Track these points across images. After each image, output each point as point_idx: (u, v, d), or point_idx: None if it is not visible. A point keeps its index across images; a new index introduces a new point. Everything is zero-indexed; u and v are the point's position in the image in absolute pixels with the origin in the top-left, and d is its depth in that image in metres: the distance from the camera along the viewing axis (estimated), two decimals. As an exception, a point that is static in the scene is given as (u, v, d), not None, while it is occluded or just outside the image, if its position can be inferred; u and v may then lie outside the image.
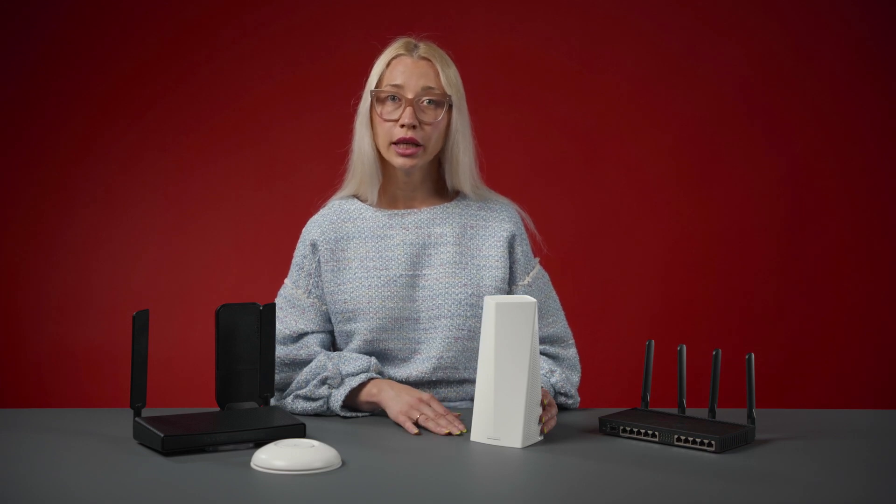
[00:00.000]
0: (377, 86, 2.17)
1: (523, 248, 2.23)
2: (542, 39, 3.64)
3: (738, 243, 3.64)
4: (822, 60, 3.61)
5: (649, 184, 3.64)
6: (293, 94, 3.65)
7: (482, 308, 2.14)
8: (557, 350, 2.23)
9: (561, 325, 2.25)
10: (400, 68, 2.16)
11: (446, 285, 2.16)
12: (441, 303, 2.16)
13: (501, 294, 2.18)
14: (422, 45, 2.19)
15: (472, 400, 2.21)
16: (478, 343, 2.15)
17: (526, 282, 2.22)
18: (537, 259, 2.28)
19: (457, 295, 2.16)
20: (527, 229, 2.27)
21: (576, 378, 2.21)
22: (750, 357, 1.92)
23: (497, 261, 2.19)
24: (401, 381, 2.16)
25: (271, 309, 1.99)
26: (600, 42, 3.64)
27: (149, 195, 3.64)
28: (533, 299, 1.89)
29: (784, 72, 3.61)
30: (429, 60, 2.17)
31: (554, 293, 2.28)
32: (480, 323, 2.14)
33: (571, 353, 2.25)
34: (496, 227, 2.22)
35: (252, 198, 3.65)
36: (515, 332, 1.87)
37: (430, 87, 2.15)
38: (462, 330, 2.16)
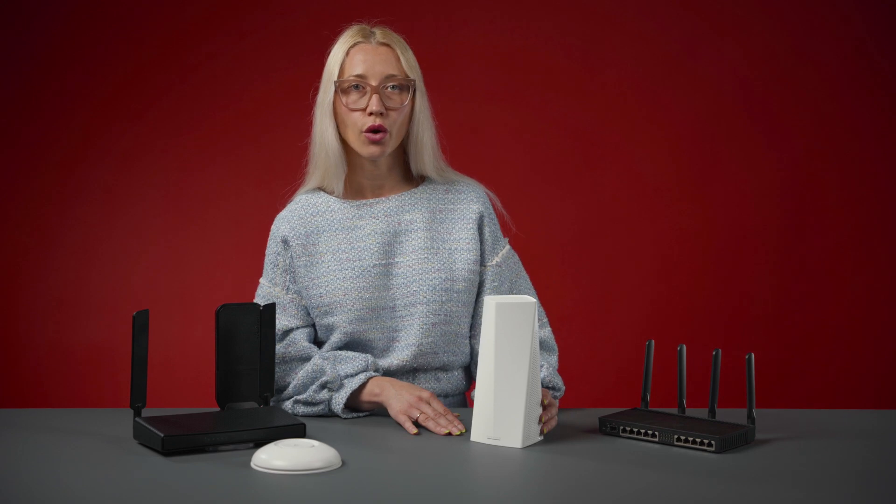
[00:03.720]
0: (339, 76, 2.16)
1: (491, 229, 2.24)
2: (542, 39, 3.64)
3: (739, 243, 3.64)
4: (822, 60, 3.61)
5: (649, 184, 3.64)
6: (293, 93, 3.63)
7: (457, 292, 2.16)
8: None
9: None
10: (360, 56, 2.16)
11: (420, 271, 2.17)
12: (416, 289, 2.16)
13: (474, 276, 2.19)
14: (378, 31, 2.19)
15: (457, 395, 2.22)
16: (455, 327, 2.17)
17: (495, 262, 2.22)
18: (507, 239, 2.28)
19: (431, 280, 2.16)
20: (495, 209, 2.27)
21: (553, 359, 2.21)
22: (750, 357, 1.92)
23: (468, 243, 2.20)
24: (383, 372, 2.16)
25: (271, 309, 1.99)
26: (600, 42, 3.64)
27: (149, 195, 3.64)
28: (533, 299, 1.89)
29: (784, 72, 3.61)
30: (388, 46, 2.17)
31: (525, 273, 2.28)
32: (456, 307, 2.15)
33: (547, 332, 2.24)
34: (464, 209, 2.22)
35: (252, 198, 3.65)
36: (515, 332, 1.87)
37: (393, 74, 2.15)
38: (439, 315, 2.16)
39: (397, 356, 2.17)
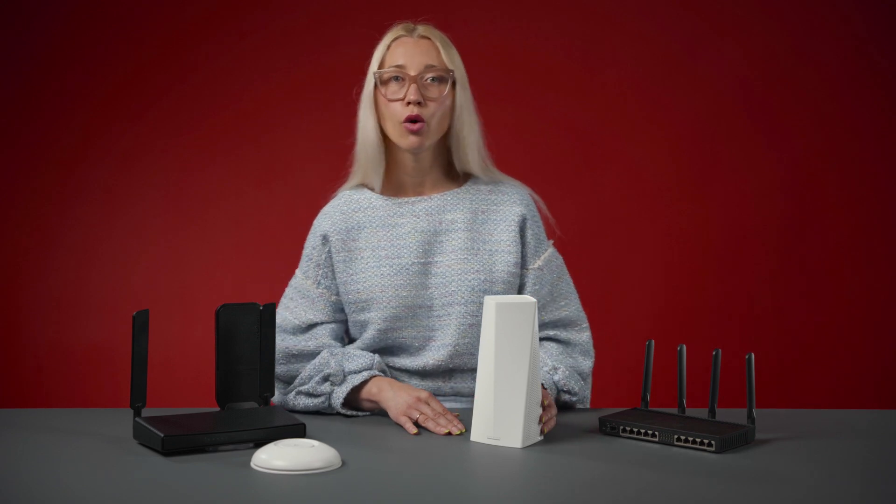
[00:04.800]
0: (380, 68, 2.17)
1: (534, 231, 2.23)
2: (541, 39, 3.64)
3: (739, 243, 3.64)
4: (822, 60, 3.61)
5: (649, 184, 3.64)
6: (293, 93, 3.65)
7: (495, 293, 2.15)
8: (570, 334, 2.21)
9: (574, 309, 2.24)
10: (401, 49, 2.16)
11: (459, 272, 2.16)
12: (454, 289, 2.16)
13: (514, 278, 2.18)
14: (420, 27, 2.20)
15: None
16: None
17: (537, 265, 2.21)
18: (550, 241, 2.27)
19: (470, 281, 2.16)
20: (540, 212, 2.26)
21: (588, 364, 2.20)
22: (750, 357, 1.92)
23: (509, 245, 2.19)
24: (417, 370, 2.17)
25: (271, 309, 1.99)
26: (600, 42, 3.64)
27: (149, 195, 3.64)
28: (533, 299, 1.89)
29: (784, 72, 3.61)
30: (429, 39, 2.18)
31: (567, 276, 2.27)
32: None
33: (585, 337, 2.23)
34: (507, 211, 2.21)
35: (252, 198, 3.65)
36: (515, 332, 1.87)
37: (432, 65, 2.15)
38: (476, 316, 2.15)
39: (433, 356, 2.17)
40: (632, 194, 3.65)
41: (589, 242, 3.65)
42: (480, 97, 3.72)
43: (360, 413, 2.11)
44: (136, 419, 1.86)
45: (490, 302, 1.88)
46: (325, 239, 2.21)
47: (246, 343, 1.97)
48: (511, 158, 3.60)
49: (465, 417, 2.00)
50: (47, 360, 3.64)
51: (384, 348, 2.19)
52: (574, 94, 3.63)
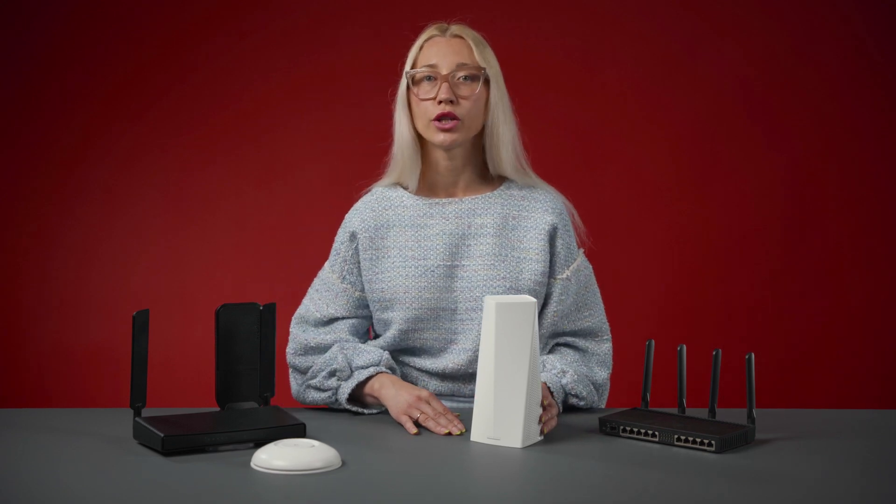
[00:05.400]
0: (412, 68, 2.17)
1: (564, 241, 2.21)
2: (541, 39, 3.64)
3: (739, 243, 3.64)
4: (822, 60, 3.61)
5: (649, 184, 3.64)
6: (293, 93, 3.65)
7: None
8: (588, 344, 2.21)
9: (598, 320, 2.23)
10: (433, 49, 2.17)
11: (485, 277, 2.16)
12: (479, 294, 2.15)
13: (541, 287, 2.17)
14: (454, 26, 2.21)
15: None
16: None
17: (565, 275, 2.20)
18: (581, 250, 2.25)
19: (495, 287, 2.15)
20: (572, 221, 2.25)
21: (603, 374, 2.18)
22: (750, 357, 1.92)
23: (537, 254, 2.17)
24: (437, 372, 2.17)
25: (271, 309, 1.99)
26: (600, 42, 3.64)
27: (149, 195, 3.65)
28: (533, 299, 1.88)
29: (784, 72, 3.61)
30: (461, 38, 2.18)
31: (595, 286, 2.26)
32: None
33: (605, 348, 2.22)
34: (538, 219, 2.20)
35: (252, 198, 3.65)
36: (515, 332, 1.87)
37: (463, 63, 2.15)
38: None
39: (453, 359, 2.17)
40: (632, 194, 3.65)
41: (588, 243, 3.64)
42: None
43: (366, 410, 2.11)
44: (136, 419, 1.86)
45: (490, 302, 1.88)
46: (353, 236, 2.21)
47: (246, 343, 1.97)
48: (511, 158, 3.61)
49: (465, 417, 2.00)
50: (48, 360, 3.64)
51: (405, 348, 2.20)
52: (574, 94, 3.63)
